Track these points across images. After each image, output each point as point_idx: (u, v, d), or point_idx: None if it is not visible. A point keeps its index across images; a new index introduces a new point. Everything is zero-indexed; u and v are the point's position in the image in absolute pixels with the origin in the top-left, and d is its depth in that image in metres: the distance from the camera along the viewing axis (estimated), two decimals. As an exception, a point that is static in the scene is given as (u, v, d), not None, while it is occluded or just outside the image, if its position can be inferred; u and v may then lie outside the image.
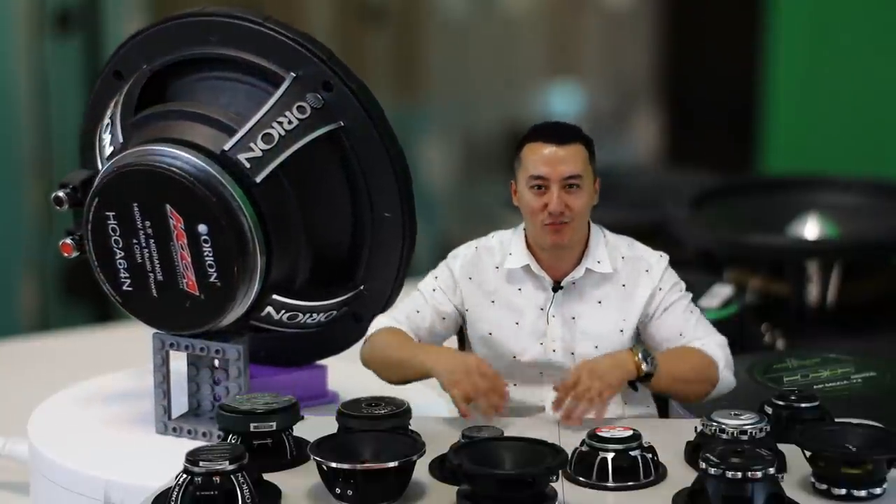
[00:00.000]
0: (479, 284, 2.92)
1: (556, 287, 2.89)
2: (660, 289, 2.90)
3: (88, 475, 2.90)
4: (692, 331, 2.90)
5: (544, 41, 7.06)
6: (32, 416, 3.19)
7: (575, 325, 2.88)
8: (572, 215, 2.81)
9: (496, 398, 2.74)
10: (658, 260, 2.93)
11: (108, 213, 2.91)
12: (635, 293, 2.89)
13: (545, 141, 2.82)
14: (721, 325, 3.76)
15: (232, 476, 2.38)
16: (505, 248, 2.93)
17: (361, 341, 2.95)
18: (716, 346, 2.89)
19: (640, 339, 2.93)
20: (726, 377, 2.88)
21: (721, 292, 3.94)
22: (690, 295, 2.96)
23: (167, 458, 2.68)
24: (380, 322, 2.94)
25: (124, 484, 2.86)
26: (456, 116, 7.05)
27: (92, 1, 6.07)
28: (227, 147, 2.88)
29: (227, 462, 2.38)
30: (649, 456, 2.52)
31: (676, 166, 6.64)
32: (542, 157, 2.81)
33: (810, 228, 4.64)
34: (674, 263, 2.99)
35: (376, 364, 2.90)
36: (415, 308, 2.94)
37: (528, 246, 2.91)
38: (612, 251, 2.91)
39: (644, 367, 2.77)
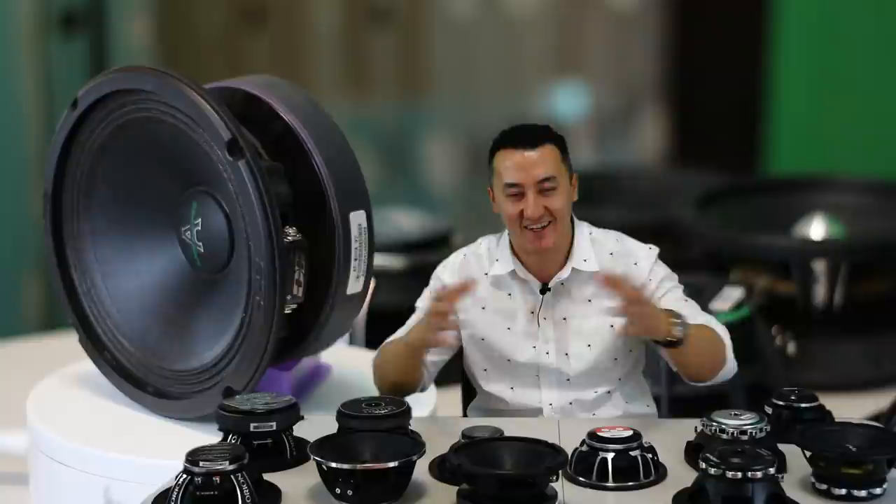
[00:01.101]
0: (470, 292, 2.91)
1: (544, 289, 2.88)
2: (650, 280, 2.89)
3: (91, 453, 2.96)
4: (692, 317, 2.86)
5: (549, 41, 7.05)
6: (31, 394, 3.25)
7: (566, 325, 2.87)
8: (552, 217, 2.80)
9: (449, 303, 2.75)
10: (647, 253, 2.91)
11: None
12: None
13: (515, 146, 2.80)
14: (732, 327, 3.77)
15: (232, 476, 2.38)
16: (492, 254, 2.92)
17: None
18: (720, 330, 2.87)
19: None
20: (731, 359, 2.86)
21: (732, 295, 3.93)
22: (682, 287, 2.94)
23: (167, 432, 2.80)
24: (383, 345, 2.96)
25: (127, 460, 2.92)
26: (461, 116, 7.05)
27: (97, 2, 6.08)
28: None
29: (227, 462, 2.38)
30: (649, 456, 2.52)
31: (682, 167, 6.63)
32: (513, 164, 2.79)
33: (816, 229, 4.64)
34: (679, 264, 2.98)
35: (387, 376, 2.90)
36: (412, 325, 2.94)
37: (513, 251, 2.90)
38: (598, 248, 2.89)
39: (675, 331, 2.74)
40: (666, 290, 2.89)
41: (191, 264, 3.09)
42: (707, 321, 2.87)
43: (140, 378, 3.14)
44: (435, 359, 2.95)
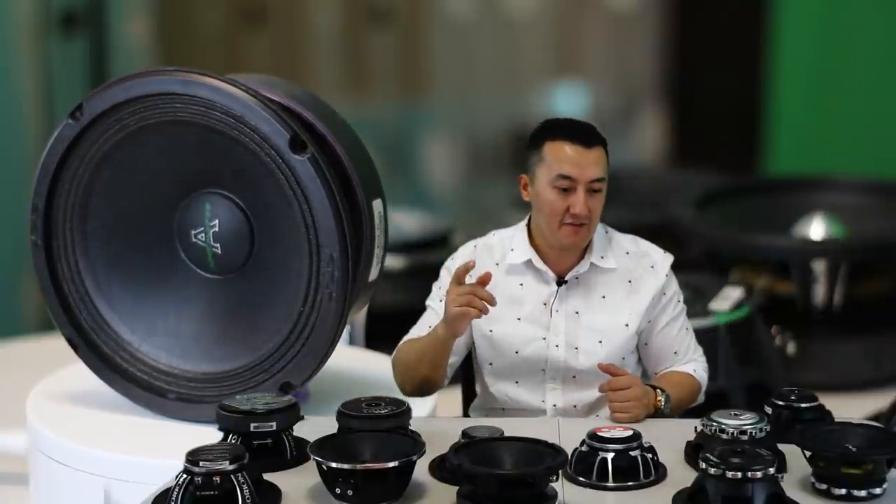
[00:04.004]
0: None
1: (560, 282, 2.89)
2: (664, 293, 2.90)
3: (91, 453, 2.97)
4: (685, 351, 2.94)
5: (549, 42, 7.05)
6: (31, 394, 3.25)
7: (579, 319, 2.88)
8: (591, 217, 2.81)
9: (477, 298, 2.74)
10: (663, 257, 2.93)
11: None
12: (641, 289, 2.90)
13: (573, 141, 2.80)
14: (732, 327, 3.77)
15: (232, 476, 2.38)
16: (506, 244, 2.93)
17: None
18: (703, 371, 2.96)
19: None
20: (702, 398, 2.97)
21: (732, 295, 3.93)
22: (685, 308, 2.97)
23: (167, 432, 2.83)
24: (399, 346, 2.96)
25: (127, 460, 2.93)
26: (461, 117, 7.05)
27: (97, 2, 6.07)
28: None
29: (227, 462, 2.38)
30: (649, 456, 2.52)
31: (682, 167, 6.64)
32: (570, 158, 2.79)
33: (816, 229, 4.64)
34: (679, 264, 2.99)
35: (411, 373, 2.89)
36: (427, 325, 2.94)
37: (531, 241, 2.90)
38: (615, 247, 2.91)
39: (662, 408, 2.81)
40: (672, 317, 2.92)
41: (200, 267, 3.08)
42: (694, 356, 2.97)
43: (159, 386, 3.12)
44: (450, 360, 2.95)
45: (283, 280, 2.99)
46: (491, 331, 2.91)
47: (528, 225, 2.92)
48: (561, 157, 2.80)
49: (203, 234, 3.04)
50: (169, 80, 2.97)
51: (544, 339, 2.88)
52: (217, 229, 3.03)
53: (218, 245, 3.03)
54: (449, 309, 2.75)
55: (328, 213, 2.90)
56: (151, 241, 3.10)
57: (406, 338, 2.97)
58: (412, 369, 2.90)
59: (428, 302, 2.98)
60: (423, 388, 2.91)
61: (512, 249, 2.92)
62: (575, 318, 2.88)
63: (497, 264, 2.92)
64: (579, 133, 2.82)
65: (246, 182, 2.98)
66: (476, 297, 2.73)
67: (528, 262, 2.90)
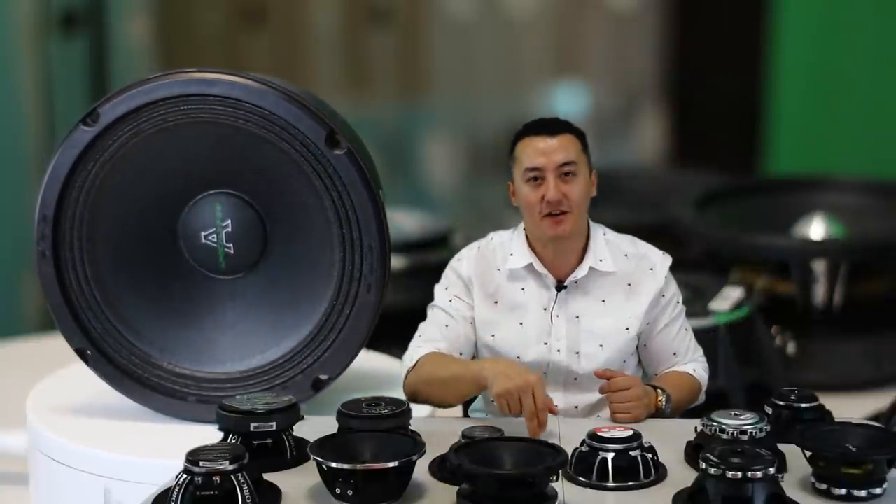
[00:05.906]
0: (483, 285, 2.92)
1: (560, 286, 2.89)
2: (662, 295, 2.90)
3: (91, 453, 2.97)
4: (685, 352, 2.94)
5: (549, 42, 7.05)
6: (31, 394, 3.25)
7: (579, 324, 2.87)
8: (570, 204, 2.81)
9: (536, 425, 2.69)
10: (662, 258, 2.93)
11: None
12: (640, 291, 2.89)
13: (537, 134, 2.83)
14: (732, 327, 3.77)
15: (232, 476, 2.38)
16: (505, 248, 2.93)
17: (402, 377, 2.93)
18: (703, 371, 2.96)
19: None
20: (703, 397, 2.97)
21: (732, 295, 3.93)
22: (684, 309, 2.97)
23: (167, 432, 2.84)
24: (415, 351, 2.91)
25: (127, 460, 2.93)
26: (461, 117, 7.05)
27: (97, 2, 6.07)
28: None
29: (227, 462, 2.38)
30: (649, 456, 2.52)
31: (682, 167, 6.63)
32: (535, 149, 2.82)
33: (816, 229, 4.64)
34: (679, 264, 2.99)
35: (427, 387, 2.85)
36: (443, 324, 2.93)
37: (530, 245, 2.90)
38: (613, 249, 2.91)
39: (663, 408, 2.82)
40: (672, 318, 2.92)
41: (211, 269, 3.07)
42: (694, 356, 2.96)
43: (177, 390, 3.10)
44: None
45: (308, 275, 3.01)
46: (493, 336, 2.91)
47: (526, 227, 2.93)
48: (528, 151, 2.83)
49: (214, 235, 3.04)
50: (194, 81, 2.97)
51: (546, 344, 2.88)
52: (230, 229, 3.03)
53: (231, 245, 3.03)
54: (515, 381, 2.69)
55: (367, 206, 2.96)
56: (160, 246, 3.08)
57: (419, 342, 2.92)
58: (434, 389, 2.85)
59: (435, 303, 2.96)
60: (437, 405, 2.90)
61: (511, 254, 2.92)
62: (575, 323, 2.88)
63: (498, 269, 2.92)
64: (543, 125, 2.85)
65: (266, 180, 2.99)
66: (535, 415, 2.68)
67: (529, 267, 2.90)
